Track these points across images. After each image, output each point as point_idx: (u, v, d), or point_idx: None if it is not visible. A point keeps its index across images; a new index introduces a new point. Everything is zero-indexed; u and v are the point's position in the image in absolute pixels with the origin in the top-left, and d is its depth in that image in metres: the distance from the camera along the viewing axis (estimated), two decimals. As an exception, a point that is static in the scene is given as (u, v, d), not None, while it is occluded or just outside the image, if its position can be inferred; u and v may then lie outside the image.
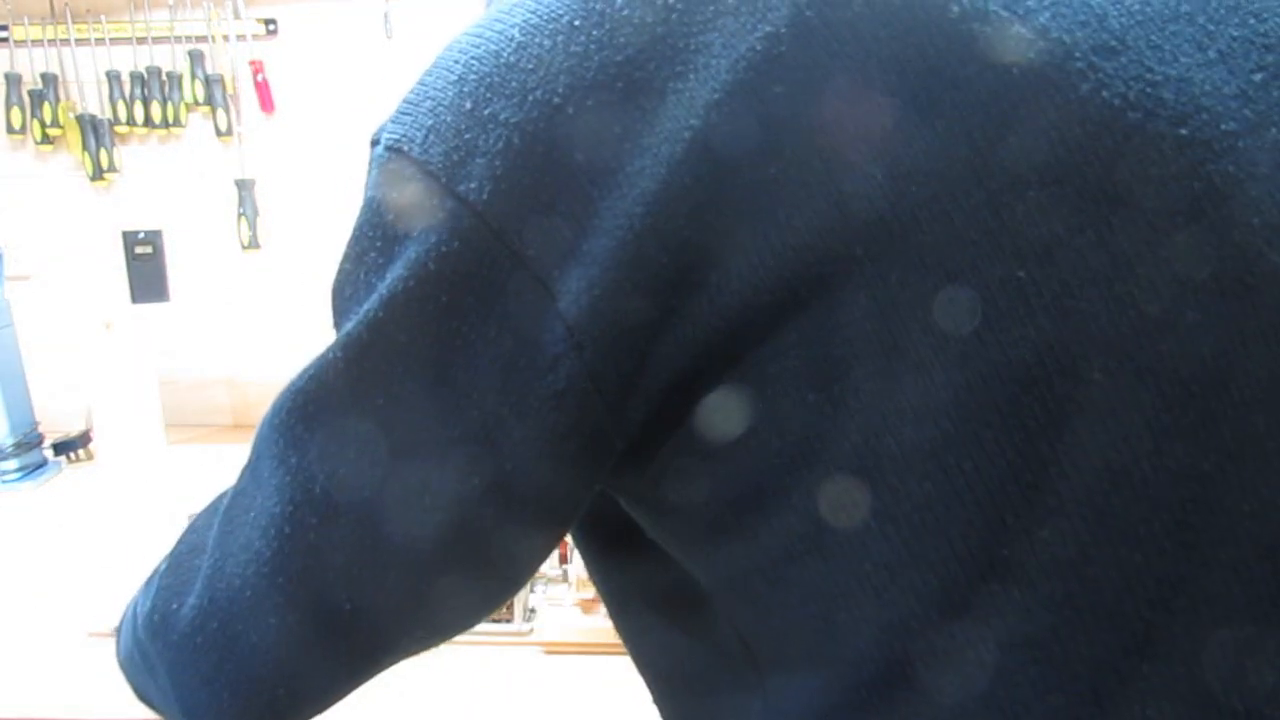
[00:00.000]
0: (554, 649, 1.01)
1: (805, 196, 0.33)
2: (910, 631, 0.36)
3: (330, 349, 0.38)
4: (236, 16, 1.63)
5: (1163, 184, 0.34)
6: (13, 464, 1.51)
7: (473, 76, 0.36)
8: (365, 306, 0.37)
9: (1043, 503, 0.34)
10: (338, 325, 0.39)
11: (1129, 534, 0.34)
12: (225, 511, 0.43)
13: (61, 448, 1.61)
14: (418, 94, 0.37)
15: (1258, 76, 0.37)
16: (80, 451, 1.63)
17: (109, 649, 0.50)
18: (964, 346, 0.34)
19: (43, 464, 1.57)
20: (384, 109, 0.39)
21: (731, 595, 0.41)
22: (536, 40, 0.35)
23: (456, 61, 0.36)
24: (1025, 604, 0.35)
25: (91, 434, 1.64)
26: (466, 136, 0.35)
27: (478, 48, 0.36)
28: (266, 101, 1.66)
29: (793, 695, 0.40)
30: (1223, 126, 0.36)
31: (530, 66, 0.35)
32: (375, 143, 0.38)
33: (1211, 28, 0.37)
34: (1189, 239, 0.34)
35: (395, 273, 0.36)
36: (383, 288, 0.36)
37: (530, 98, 0.35)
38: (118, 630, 0.49)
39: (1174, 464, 0.34)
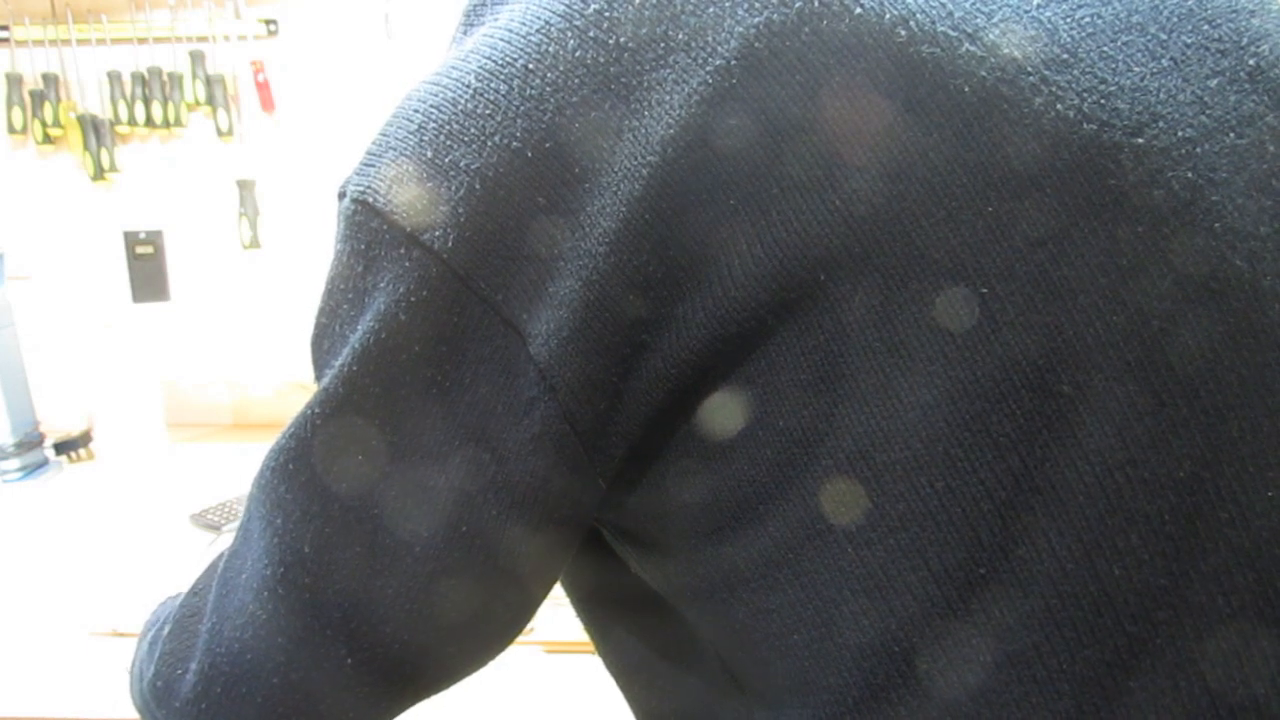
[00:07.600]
0: (554, 648, 1.01)
1: (764, 225, 0.33)
2: (905, 639, 0.35)
3: (309, 405, 0.38)
4: (237, 16, 1.63)
5: (1122, 194, 0.34)
6: (14, 463, 1.51)
7: (432, 125, 0.36)
8: (339, 360, 0.37)
9: (1042, 506, 0.34)
10: (317, 379, 0.39)
11: (1109, 547, 0.34)
12: (221, 574, 0.43)
13: (62, 447, 1.61)
14: (379, 145, 0.37)
15: (1213, 82, 0.37)
16: (81, 451, 1.63)
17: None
18: (964, 346, 0.33)
19: (44, 463, 1.56)
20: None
21: (718, 622, 0.41)
22: (492, 86, 0.35)
23: (416, 110, 0.37)
24: (1013, 619, 0.34)
25: (92, 433, 1.64)
26: (429, 185, 0.35)
27: (436, 95, 0.36)
28: (267, 101, 1.66)
29: None
30: (1180, 134, 0.36)
31: (488, 112, 0.35)
32: (342, 195, 0.38)
33: (1164, 36, 0.37)
34: (1150, 247, 0.34)
35: (366, 325, 0.36)
36: (354, 340, 0.36)
37: (489, 143, 0.35)
38: (129, 684, 0.49)
39: (1149, 474, 0.34)
